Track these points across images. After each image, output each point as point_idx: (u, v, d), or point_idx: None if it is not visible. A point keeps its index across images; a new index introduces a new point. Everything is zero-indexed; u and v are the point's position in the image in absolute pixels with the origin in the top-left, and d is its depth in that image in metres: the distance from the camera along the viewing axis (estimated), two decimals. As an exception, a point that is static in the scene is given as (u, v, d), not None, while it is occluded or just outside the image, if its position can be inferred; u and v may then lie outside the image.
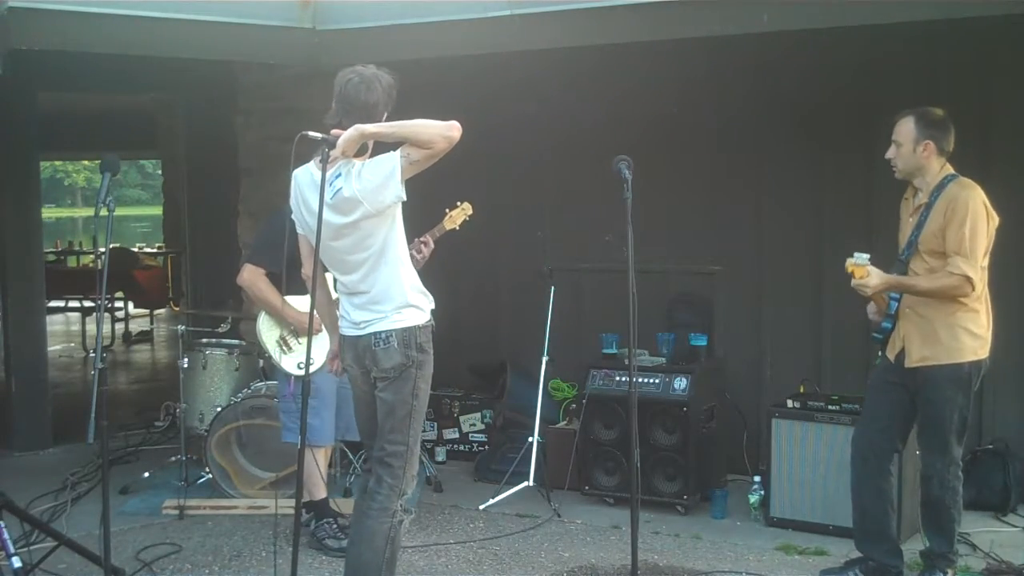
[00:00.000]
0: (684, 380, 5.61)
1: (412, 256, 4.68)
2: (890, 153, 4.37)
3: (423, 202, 3.86)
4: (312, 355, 4.73)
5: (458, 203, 5.06)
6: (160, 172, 19.44)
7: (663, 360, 5.85)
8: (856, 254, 4.22)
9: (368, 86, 3.74)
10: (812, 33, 4.94)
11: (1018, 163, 5.37)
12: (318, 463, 5.14)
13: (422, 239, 4.87)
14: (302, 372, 5.14)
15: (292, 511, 3.78)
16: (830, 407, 5.21)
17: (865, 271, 4.19)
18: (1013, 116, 5.59)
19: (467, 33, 5.28)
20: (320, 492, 5.15)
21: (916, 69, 5.71)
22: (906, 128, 4.32)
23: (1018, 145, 5.53)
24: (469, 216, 5.09)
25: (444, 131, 3.62)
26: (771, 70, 5.96)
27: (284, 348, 5.26)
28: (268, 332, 5.27)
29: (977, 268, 4.18)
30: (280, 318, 5.14)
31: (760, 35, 4.88)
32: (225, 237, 7.59)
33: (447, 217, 5.03)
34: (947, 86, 5.57)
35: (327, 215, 3.64)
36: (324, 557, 4.95)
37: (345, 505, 5.35)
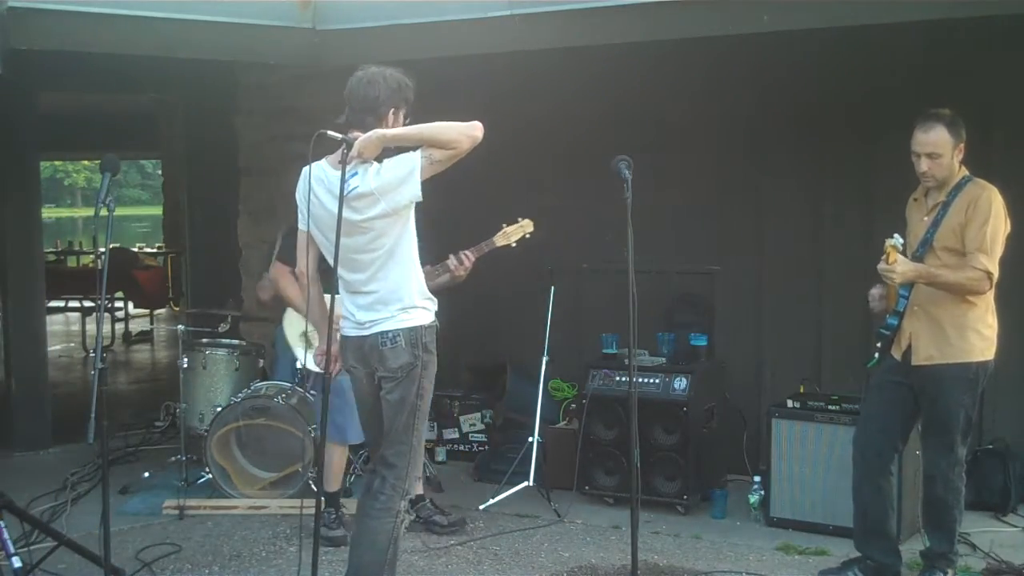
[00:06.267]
0: (684, 380, 5.61)
1: (448, 269, 4.70)
2: (925, 166, 4.25)
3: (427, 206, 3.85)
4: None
5: (519, 218, 4.91)
6: (160, 172, 19.45)
7: (663, 360, 5.85)
8: (896, 235, 4.16)
9: (370, 82, 3.74)
10: (812, 33, 4.94)
11: (1018, 164, 5.36)
12: (331, 458, 5.13)
13: (465, 252, 4.77)
14: (320, 369, 5.19)
15: (306, 510, 3.78)
16: (830, 407, 5.20)
17: (896, 256, 4.14)
18: (1013, 116, 5.59)
19: (467, 33, 5.28)
20: (332, 486, 5.17)
21: (916, 69, 5.71)
22: (941, 138, 4.22)
23: (1018, 145, 5.53)
24: (528, 235, 4.88)
25: (467, 131, 3.63)
26: (771, 70, 5.96)
27: (307, 344, 5.28)
28: (293, 326, 5.42)
29: (996, 265, 4.19)
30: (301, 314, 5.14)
31: (760, 35, 4.88)
32: (225, 237, 7.59)
33: (500, 232, 4.87)
34: (947, 86, 5.56)
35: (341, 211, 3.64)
36: (324, 557, 4.94)
37: (346, 505, 5.36)
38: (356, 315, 3.84)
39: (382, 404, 3.85)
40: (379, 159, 3.70)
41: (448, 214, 5.27)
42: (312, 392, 5.51)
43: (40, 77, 6.53)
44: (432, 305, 3.87)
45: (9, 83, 5.17)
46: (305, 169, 3.84)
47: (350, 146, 3.63)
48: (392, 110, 3.76)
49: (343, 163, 3.62)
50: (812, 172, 6.11)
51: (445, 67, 5.79)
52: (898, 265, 4.15)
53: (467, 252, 4.83)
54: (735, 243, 6.32)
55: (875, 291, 4.54)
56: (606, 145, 4.84)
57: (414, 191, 3.66)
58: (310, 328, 5.19)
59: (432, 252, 4.80)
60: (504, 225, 4.89)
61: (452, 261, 4.83)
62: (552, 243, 6.70)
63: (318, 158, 3.83)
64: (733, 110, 6.19)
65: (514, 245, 4.88)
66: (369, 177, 3.66)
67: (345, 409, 4.90)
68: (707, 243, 6.38)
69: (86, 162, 33.71)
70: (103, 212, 3.84)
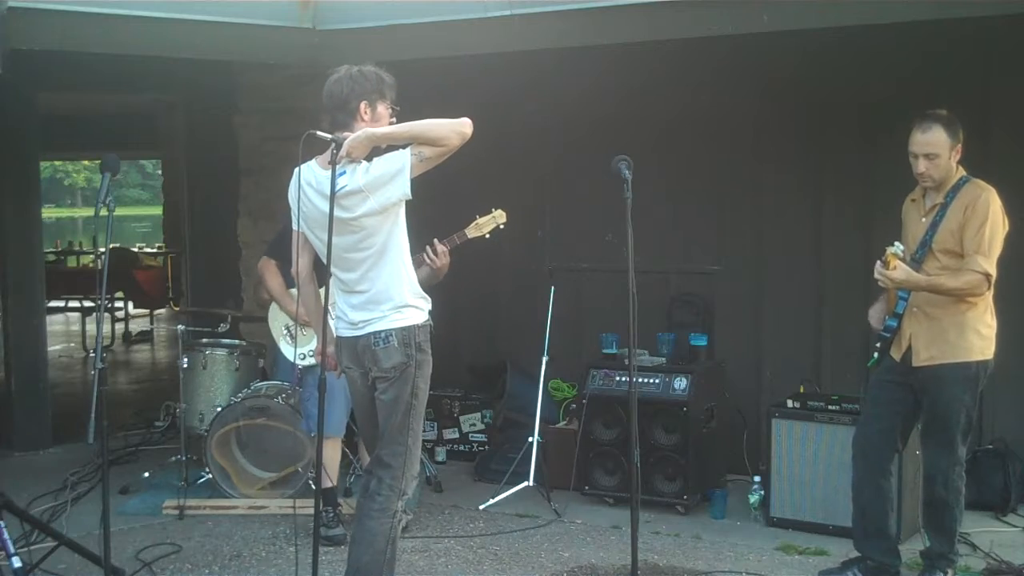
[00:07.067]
0: (684, 380, 5.61)
1: (424, 263, 4.66)
2: (922, 167, 4.26)
3: (422, 204, 3.84)
4: (308, 350, 4.81)
5: (492, 209, 4.84)
6: (160, 172, 19.46)
7: (663, 360, 5.85)
8: (896, 243, 4.19)
9: (336, 80, 3.76)
10: (812, 33, 4.94)
11: (1018, 163, 5.37)
12: (326, 453, 5.06)
13: (438, 245, 4.70)
14: (300, 362, 5.43)
15: (305, 510, 3.77)
16: (830, 407, 5.20)
17: (896, 263, 4.16)
18: (1013, 116, 5.59)
19: (467, 33, 5.28)
20: (325, 481, 5.09)
21: (915, 69, 5.71)
22: (939, 138, 4.22)
23: (1018, 145, 5.53)
24: (502, 225, 4.82)
25: (457, 127, 3.63)
26: (771, 70, 5.96)
27: (289, 337, 5.54)
28: (276, 319, 5.58)
29: (994, 266, 4.19)
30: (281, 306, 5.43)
31: (760, 35, 4.88)
32: (225, 237, 7.60)
33: (473, 224, 4.81)
34: (947, 86, 5.57)
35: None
36: (323, 557, 4.93)
37: (343, 503, 5.36)
38: (349, 315, 3.84)
39: (377, 404, 3.85)
40: (368, 158, 3.70)
41: (449, 214, 5.27)
42: (295, 382, 5.65)
43: (40, 77, 6.53)
44: (426, 304, 3.86)
45: (9, 83, 5.17)
46: (296, 170, 3.85)
47: (339, 146, 3.63)
48: (363, 103, 3.74)
49: (332, 163, 3.63)
50: (812, 172, 6.11)
51: (445, 67, 5.80)
52: (896, 273, 4.16)
53: (439, 244, 4.80)
54: (735, 243, 6.32)
55: (874, 313, 4.54)
56: (606, 145, 4.84)
57: (403, 188, 3.65)
58: (292, 323, 5.42)
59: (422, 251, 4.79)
60: (477, 216, 4.84)
61: (428, 252, 4.78)
62: (552, 243, 6.73)
63: (309, 159, 3.84)
64: (733, 110, 6.19)
65: (487, 236, 4.84)
66: (358, 175, 3.67)
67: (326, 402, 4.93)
68: (707, 243, 6.38)
69: (86, 162, 33.72)
70: (103, 212, 3.84)
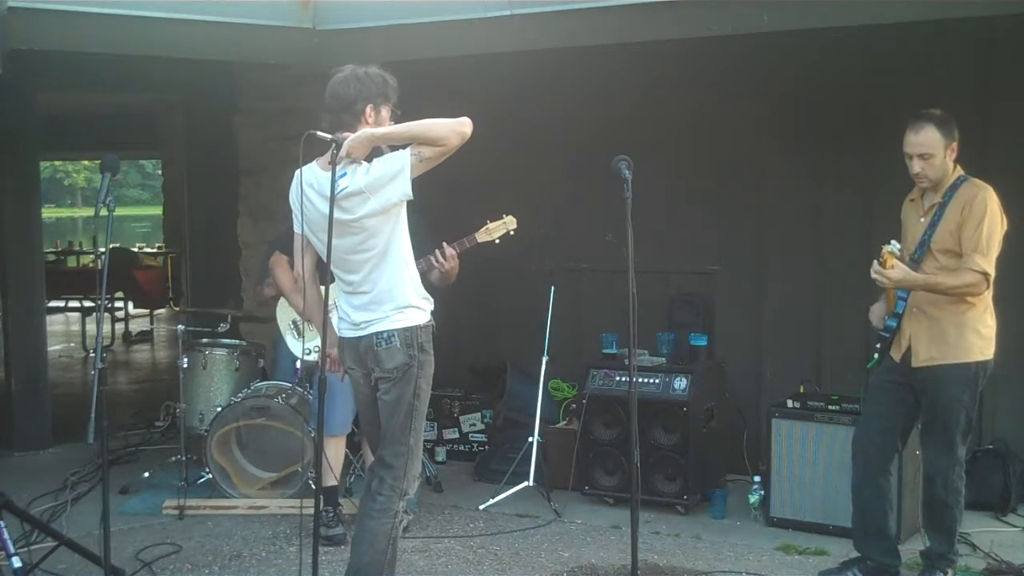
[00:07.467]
0: (684, 380, 5.61)
1: (432, 266, 4.64)
2: (918, 168, 4.26)
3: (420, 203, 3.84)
4: (314, 345, 4.84)
5: (503, 215, 4.80)
6: (160, 172, 19.47)
7: (663, 360, 5.85)
8: (892, 242, 4.19)
9: (343, 81, 3.75)
10: (812, 33, 4.94)
11: (1018, 163, 5.36)
12: (326, 452, 5.02)
13: (447, 249, 4.67)
14: (307, 357, 5.52)
15: (306, 510, 3.77)
16: (830, 407, 5.20)
17: (893, 262, 4.15)
18: (1013, 116, 5.59)
19: (467, 33, 5.28)
20: (328, 480, 5.11)
21: (916, 69, 5.71)
22: (932, 138, 4.22)
23: (1018, 145, 5.53)
24: (512, 231, 4.77)
25: (456, 127, 3.62)
26: (771, 70, 5.96)
27: (295, 332, 5.61)
28: (284, 313, 5.65)
29: (993, 265, 4.18)
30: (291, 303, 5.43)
31: (760, 35, 4.88)
32: (225, 237, 7.60)
33: (483, 229, 4.77)
34: (947, 86, 5.57)
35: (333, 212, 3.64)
36: (324, 557, 4.94)
37: (343, 504, 5.36)
38: (351, 316, 3.84)
39: (379, 405, 3.85)
40: (368, 159, 3.70)
41: (449, 214, 5.27)
42: (296, 380, 5.72)
43: (40, 77, 6.53)
44: (428, 304, 3.86)
45: (9, 83, 5.17)
46: (297, 172, 3.85)
47: (339, 146, 3.63)
48: (370, 107, 3.74)
49: (333, 164, 3.62)
50: (812, 172, 6.11)
51: (445, 67, 5.80)
52: (893, 272, 4.15)
53: (448, 247, 4.80)
54: (735, 243, 6.32)
55: (875, 310, 4.54)
56: (606, 145, 4.84)
57: (404, 189, 3.65)
58: (299, 318, 5.47)
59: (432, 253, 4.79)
60: (488, 221, 4.82)
61: (436, 255, 4.75)
62: (552, 243, 6.73)
63: (310, 160, 3.83)
64: (733, 110, 6.18)
65: (497, 242, 4.80)
66: (358, 176, 3.67)
67: (330, 401, 4.91)
68: (707, 243, 6.38)
69: (86, 162, 33.73)
70: (103, 212, 3.84)
